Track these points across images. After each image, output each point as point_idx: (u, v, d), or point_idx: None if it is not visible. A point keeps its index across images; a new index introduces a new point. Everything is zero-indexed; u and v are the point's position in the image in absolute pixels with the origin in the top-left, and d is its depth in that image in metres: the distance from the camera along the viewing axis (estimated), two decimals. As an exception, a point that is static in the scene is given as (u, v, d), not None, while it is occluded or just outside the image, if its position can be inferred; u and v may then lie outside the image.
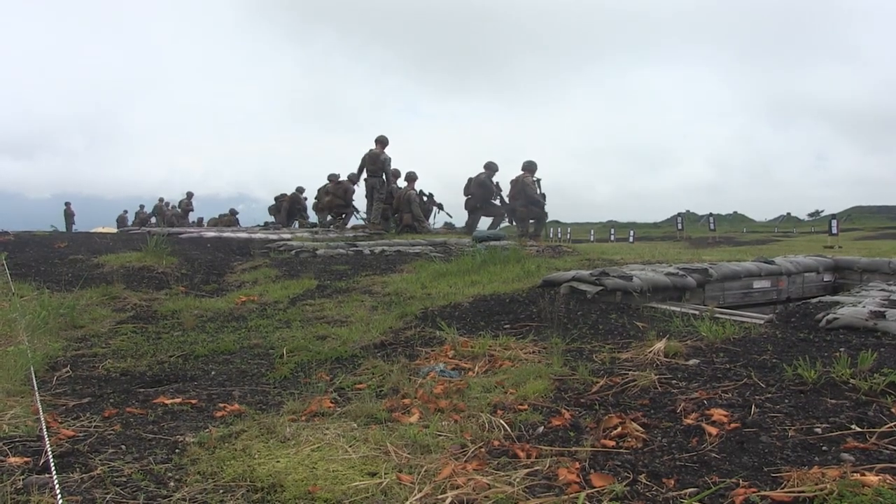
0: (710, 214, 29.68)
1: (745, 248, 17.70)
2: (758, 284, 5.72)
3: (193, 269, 7.77)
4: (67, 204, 24.77)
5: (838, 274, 6.58)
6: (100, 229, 18.43)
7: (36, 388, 2.96)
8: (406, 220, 13.21)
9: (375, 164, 12.72)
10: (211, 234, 13.21)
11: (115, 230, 17.32)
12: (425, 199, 14.18)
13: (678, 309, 4.22)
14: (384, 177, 12.91)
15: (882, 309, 3.47)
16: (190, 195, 24.33)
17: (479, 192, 12.93)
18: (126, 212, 26.69)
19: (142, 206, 26.44)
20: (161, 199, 24.94)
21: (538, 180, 12.24)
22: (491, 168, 12.98)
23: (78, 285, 6.20)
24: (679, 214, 27.13)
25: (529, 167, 12.14)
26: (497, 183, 13.03)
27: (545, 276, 5.20)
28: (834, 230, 17.77)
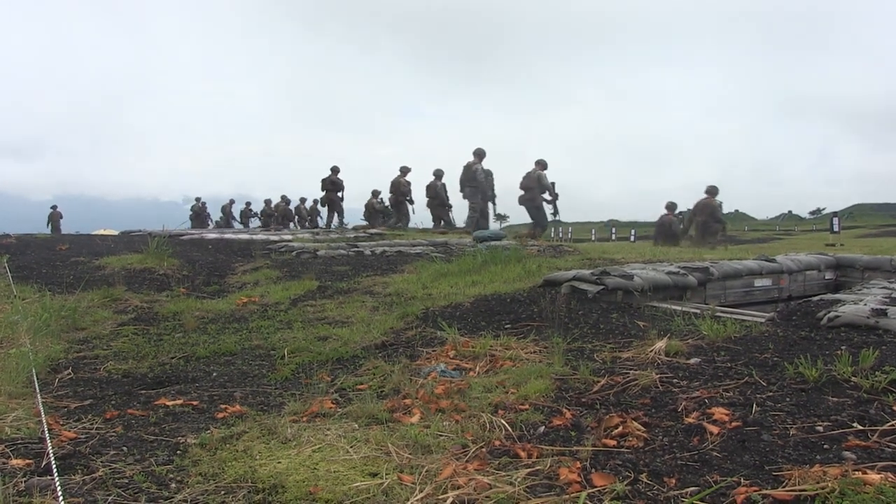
0: (712, 213, 29.55)
1: (747, 246, 17.68)
2: (759, 283, 5.71)
3: (195, 271, 7.77)
4: (54, 207, 24.22)
5: (840, 272, 6.57)
6: (101, 231, 18.42)
7: (38, 391, 2.96)
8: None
9: (466, 174, 13.37)
10: (212, 235, 13.23)
11: (116, 232, 17.26)
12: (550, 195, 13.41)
13: (679, 308, 4.22)
14: (477, 187, 13.38)
15: (884, 307, 3.47)
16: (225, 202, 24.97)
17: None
18: (232, 201, 26.57)
19: (198, 199, 26.36)
20: (231, 201, 25.60)
21: (721, 203, 13.18)
22: (712, 190, 13.27)
23: (79, 287, 6.21)
24: (681, 213, 27.00)
25: (711, 191, 13.03)
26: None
27: (546, 275, 5.19)
28: (836, 228, 17.73)
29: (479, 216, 13.68)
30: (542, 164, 12.62)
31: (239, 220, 25.83)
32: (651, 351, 3.10)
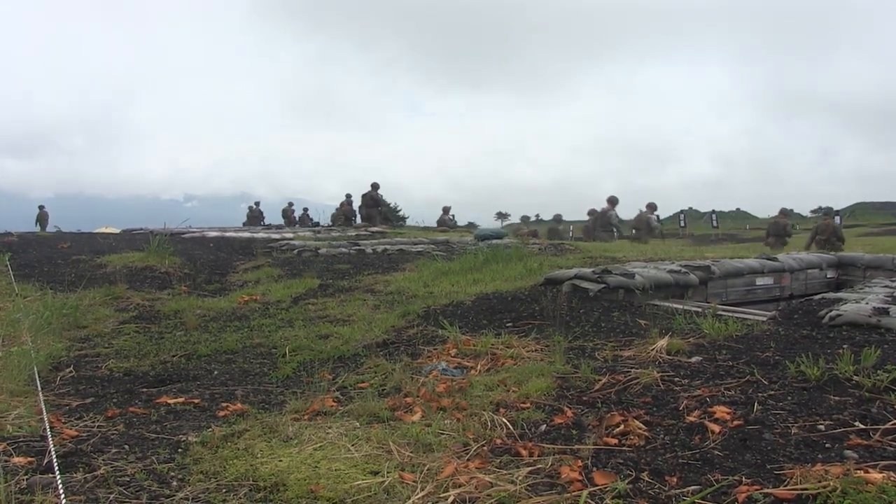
0: (713, 211, 29.58)
1: (748, 244, 17.65)
2: (761, 281, 5.71)
3: (196, 269, 7.78)
4: (41, 207, 24.08)
5: (841, 270, 6.57)
6: (103, 229, 18.42)
7: (39, 389, 2.96)
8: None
9: (602, 219, 14.46)
10: (213, 233, 13.23)
11: (117, 230, 17.22)
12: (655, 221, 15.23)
13: (681, 306, 4.21)
14: (614, 231, 14.42)
15: (885, 305, 3.46)
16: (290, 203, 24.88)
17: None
18: (291, 204, 26.41)
19: (257, 203, 26.20)
20: (290, 204, 25.41)
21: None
22: (830, 212, 14.74)
23: (81, 285, 6.22)
24: (682, 212, 27.04)
25: (830, 212, 14.45)
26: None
27: (547, 273, 5.19)
28: (837, 227, 17.71)
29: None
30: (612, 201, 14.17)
31: (298, 224, 25.22)
32: (652, 349, 3.10)
